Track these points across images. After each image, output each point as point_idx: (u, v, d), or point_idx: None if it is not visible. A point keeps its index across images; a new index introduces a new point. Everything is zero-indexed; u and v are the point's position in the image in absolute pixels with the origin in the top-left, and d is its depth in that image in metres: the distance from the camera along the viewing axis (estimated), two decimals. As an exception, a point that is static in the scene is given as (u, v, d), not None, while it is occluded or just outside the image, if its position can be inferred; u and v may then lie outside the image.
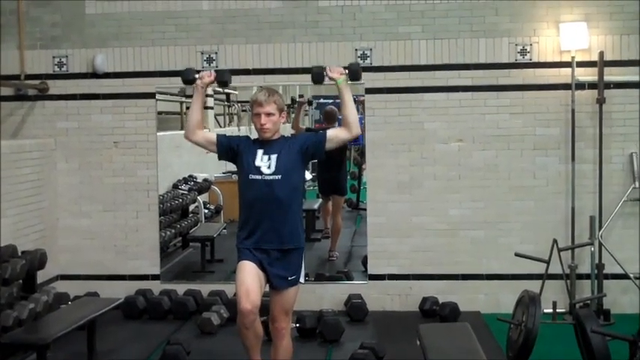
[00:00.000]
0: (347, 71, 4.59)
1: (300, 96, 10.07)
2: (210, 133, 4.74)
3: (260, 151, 4.48)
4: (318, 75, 4.65)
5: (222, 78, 4.74)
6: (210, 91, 10.36)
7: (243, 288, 4.35)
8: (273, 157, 4.45)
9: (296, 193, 4.51)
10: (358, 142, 8.57)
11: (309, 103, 9.85)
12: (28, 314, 5.62)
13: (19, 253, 6.11)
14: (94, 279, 7.32)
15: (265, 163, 4.45)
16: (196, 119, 4.62)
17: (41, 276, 6.48)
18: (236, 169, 4.65)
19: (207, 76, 4.67)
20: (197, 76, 4.69)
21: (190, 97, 10.96)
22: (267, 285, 4.55)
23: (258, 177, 4.43)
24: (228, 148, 4.58)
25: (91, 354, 5.57)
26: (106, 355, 5.76)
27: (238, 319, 4.41)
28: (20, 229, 6.61)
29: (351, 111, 4.51)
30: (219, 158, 4.68)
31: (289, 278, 4.52)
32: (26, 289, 6.07)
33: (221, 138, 4.62)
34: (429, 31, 7.05)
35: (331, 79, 4.57)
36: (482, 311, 6.93)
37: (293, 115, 8.95)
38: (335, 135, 4.58)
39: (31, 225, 6.84)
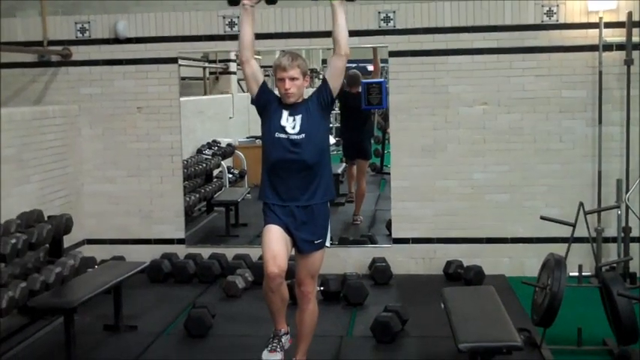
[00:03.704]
0: None
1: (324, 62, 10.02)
2: (261, 71, 4.55)
3: (285, 112, 4.43)
4: None
5: None
6: (232, 56, 10.37)
7: (270, 252, 4.34)
8: (298, 117, 4.41)
9: (321, 151, 4.45)
10: (382, 106, 8.52)
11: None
12: (55, 278, 5.69)
13: (46, 218, 6.17)
14: (120, 243, 7.39)
15: (290, 123, 4.41)
16: (248, 39, 4.42)
17: (68, 240, 6.55)
18: (260, 132, 4.61)
19: None
20: None
21: (213, 62, 11.05)
22: (293, 249, 4.56)
23: (284, 136, 4.40)
24: (266, 96, 4.49)
25: (118, 317, 5.63)
26: (132, 319, 5.82)
27: (265, 282, 4.41)
28: (45, 195, 6.67)
29: (341, 30, 4.38)
30: (253, 102, 4.54)
31: (315, 242, 4.50)
32: (53, 254, 6.14)
33: (265, 84, 4.51)
34: (454, -8, 6.97)
35: None
36: (507, 275, 6.91)
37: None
38: (330, 69, 4.48)
39: (57, 190, 6.90)
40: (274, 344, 4.55)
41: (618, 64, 6.77)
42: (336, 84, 4.47)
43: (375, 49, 8.26)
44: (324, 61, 10.03)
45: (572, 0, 6.83)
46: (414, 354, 5.19)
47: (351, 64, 9.38)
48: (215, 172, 9.73)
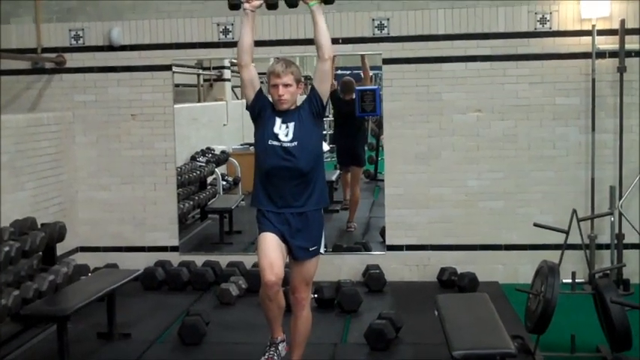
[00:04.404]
0: None
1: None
2: (258, 77, 4.53)
3: (279, 120, 4.44)
4: None
5: None
6: (227, 63, 10.36)
7: (267, 260, 4.34)
8: (291, 125, 4.42)
9: (314, 158, 4.46)
10: (376, 113, 8.54)
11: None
12: (48, 286, 5.67)
13: (39, 226, 6.15)
14: (114, 251, 7.38)
15: (283, 131, 4.42)
16: (248, 44, 4.42)
17: (61, 248, 6.53)
18: (253, 137, 4.61)
19: None
20: None
21: (207, 69, 11.03)
22: (288, 256, 4.55)
23: (277, 143, 4.40)
24: (261, 102, 4.49)
25: (111, 325, 5.61)
26: (125, 326, 5.80)
27: (262, 291, 4.41)
28: (39, 202, 6.66)
29: (323, 34, 4.37)
30: (247, 107, 4.53)
31: (310, 249, 4.51)
32: (46, 262, 6.12)
33: (261, 91, 4.51)
34: (447, -1, 6.99)
35: (304, 1, 4.41)
36: (501, 281, 6.92)
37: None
38: (316, 74, 4.47)
39: (50, 198, 6.88)
40: (271, 352, 4.58)
41: (611, 71, 6.80)
42: (324, 89, 4.47)
43: (362, 57, 8.28)
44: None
45: (566, 7, 6.86)
46: (408, 361, 5.19)
47: (345, 71, 9.42)
48: (209, 180, 9.71)
